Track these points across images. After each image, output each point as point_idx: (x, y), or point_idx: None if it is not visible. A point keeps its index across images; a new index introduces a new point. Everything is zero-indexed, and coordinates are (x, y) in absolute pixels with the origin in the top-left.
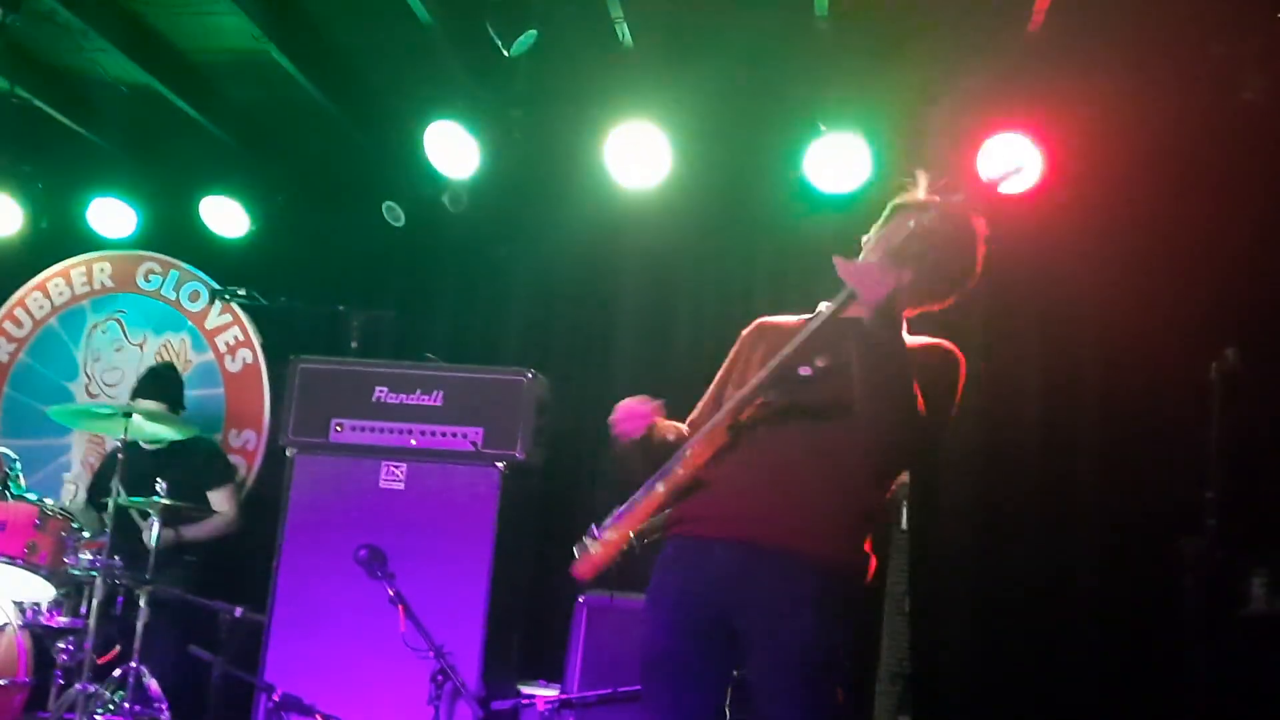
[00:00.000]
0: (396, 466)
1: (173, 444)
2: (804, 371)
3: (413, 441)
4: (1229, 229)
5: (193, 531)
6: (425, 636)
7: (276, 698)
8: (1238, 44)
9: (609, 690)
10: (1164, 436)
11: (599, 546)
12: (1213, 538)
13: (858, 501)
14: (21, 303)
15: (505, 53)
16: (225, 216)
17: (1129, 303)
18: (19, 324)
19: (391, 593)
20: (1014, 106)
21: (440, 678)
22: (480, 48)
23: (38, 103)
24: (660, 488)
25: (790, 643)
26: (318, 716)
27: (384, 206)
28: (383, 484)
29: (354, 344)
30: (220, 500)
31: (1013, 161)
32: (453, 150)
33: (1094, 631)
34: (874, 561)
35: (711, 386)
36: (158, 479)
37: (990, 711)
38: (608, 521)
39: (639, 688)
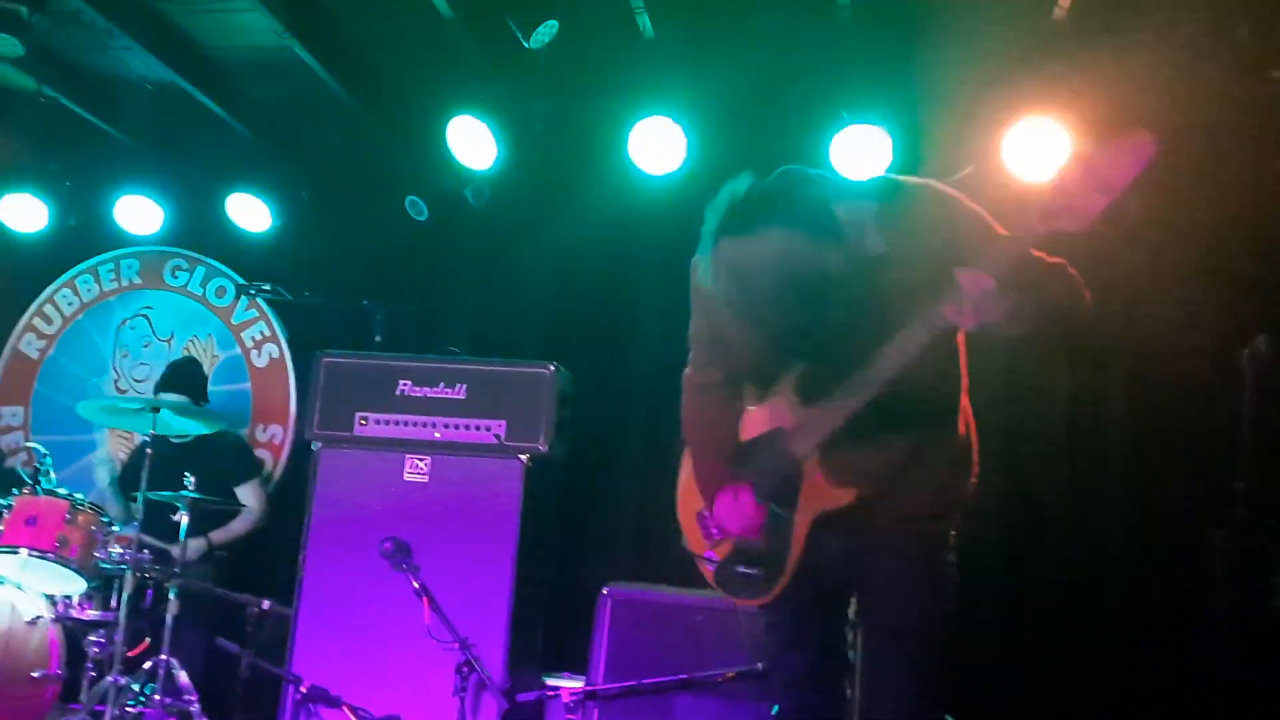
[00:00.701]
0: (420, 459)
1: (199, 438)
2: (838, 315)
3: (436, 434)
4: (1260, 213)
5: (220, 535)
6: (450, 628)
7: (304, 689)
8: (1265, 25)
9: (633, 682)
10: (1193, 426)
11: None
12: (1243, 528)
13: (942, 454)
14: (51, 300)
15: (525, 44)
16: (250, 212)
17: (1158, 290)
18: (49, 321)
19: (416, 585)
20: (1040, 91)
21: (465, 669)
22: (501, 40)
23: (64, 101)
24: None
25: (894, 621)
26: (344, 708)
27: (407, 201)
28: (407, 477)
29: (378, 338)
30: (247, 495)
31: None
32: (474, 144)
33: (1123, 624)
34: (974, 485)
35: (701, 350)
36: (185, 473)
37: (1019, 704)
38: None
39: (662, 679)
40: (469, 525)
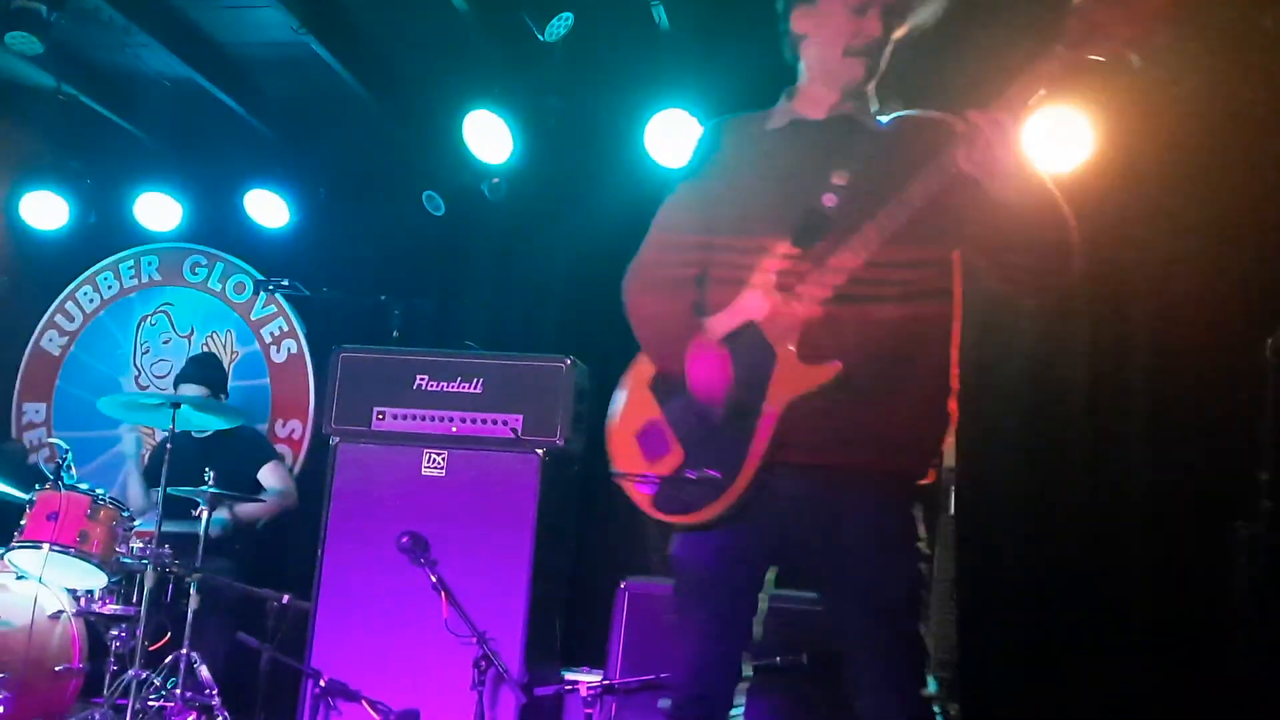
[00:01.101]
0: (438, 454)
1: (218, 433)
2: (827, 201)
3: (453, 429)
4: None
5: (248, 510)
6: (467, 622)
7: (323, 683)
8: None
9: (651, 675)
10: (1217, 417)
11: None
12: (1267, 521)
13: (936, 379)
14: (72, 297)
15: (540, 38)
16: (268, 209)
17: (1182, 279)
18: (70, 318)
19: (433, 579)
20: (1063, 79)
21: (483, 663)
22: (516, 34)
23: (84, 99)
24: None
25: (870, 583)
26: (363, 702)
27: (424, 196)
28: (424, 471)
29: (395, 333)
30: (270, 477)
31: None
32: (491, 138)
33: (1145, 618)
34: (953, 422)
35: (673, 215)
36: (206, 468)
37: (1039, 700)
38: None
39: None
40: (486, 519)
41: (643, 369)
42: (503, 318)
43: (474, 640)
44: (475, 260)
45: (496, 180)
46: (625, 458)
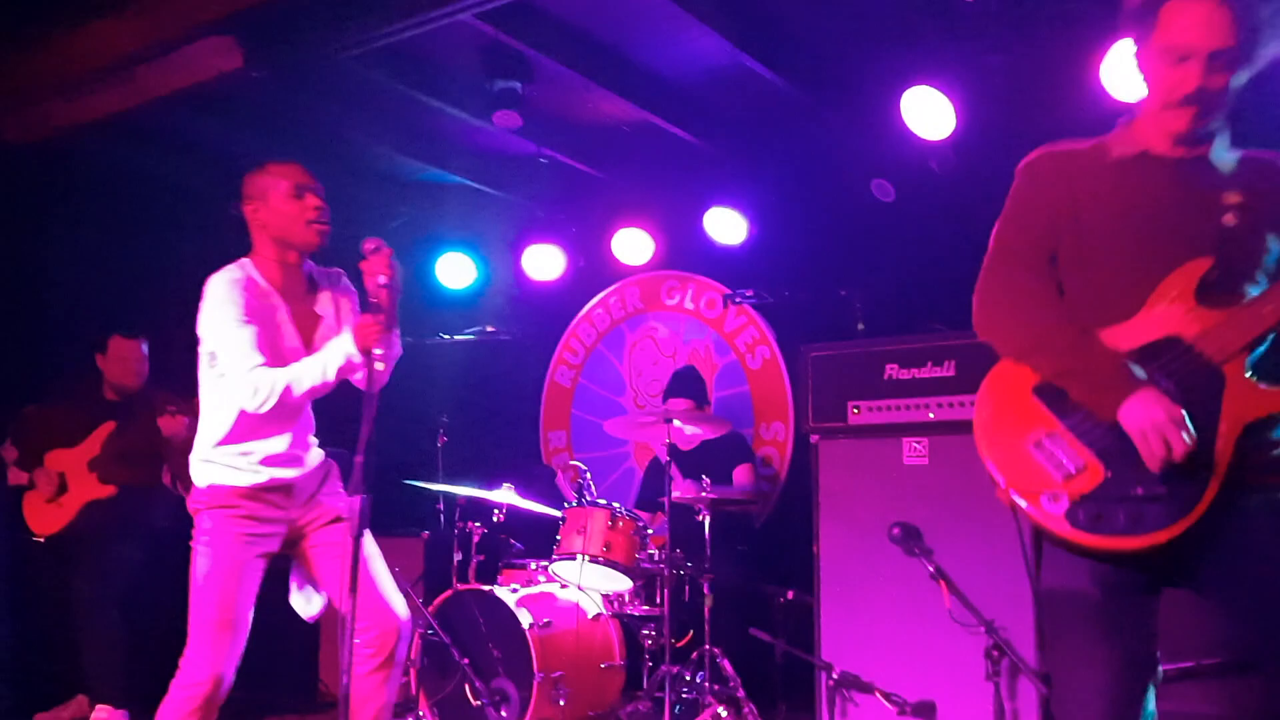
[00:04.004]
0: (918, 442)
1: (705, 442)
2: (1228, 220)
3: (931, 415)
4: None
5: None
6: (973, 611)
7: (835, 675)
8: None
9: (1191, 663)
10: None
11: None
12: None
13: None
14: (574, 334)
15: None
16: (727, 226)
17: None
18: (575, 353)
19: (931, 569)
20: None
21: (995, 653)
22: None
23: (559, 157)
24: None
25: None
26: (876, 693)
27: (872, 184)
28: (906, 460)
29: (860, 325)
30: (739, 475)
31: None
32: (933, 113)
33: None
34: None
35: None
36: (702, 475)
37: None
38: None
39: (1222, 660)
40: (977, 504)
41: (1014, 374)
42: (967, 295)
43: (982, 630)
44: (931, 239)
45: (944, 155)
46: (1017, 476)
